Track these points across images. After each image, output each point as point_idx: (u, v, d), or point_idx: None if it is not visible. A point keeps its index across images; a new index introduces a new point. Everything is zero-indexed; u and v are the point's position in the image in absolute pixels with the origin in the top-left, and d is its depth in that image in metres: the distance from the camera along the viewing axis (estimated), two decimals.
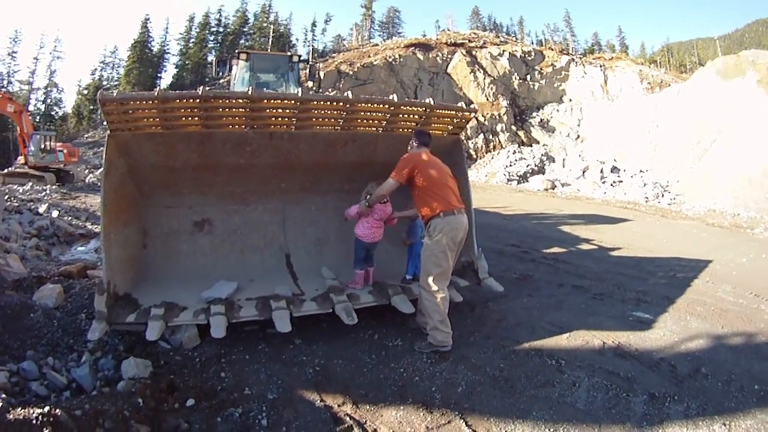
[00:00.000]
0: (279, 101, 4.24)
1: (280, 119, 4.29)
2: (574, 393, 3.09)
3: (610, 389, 3.13)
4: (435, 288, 3.59)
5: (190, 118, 3.96)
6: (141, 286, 4.05)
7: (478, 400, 3.00)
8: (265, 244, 4.98)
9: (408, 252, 4.59)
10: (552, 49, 40.48)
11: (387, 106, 4.41)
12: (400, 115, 4.56)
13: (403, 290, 4.23)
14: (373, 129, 4.64)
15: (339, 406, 2.93)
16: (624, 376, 3.30)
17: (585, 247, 8.14)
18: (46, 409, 2.32)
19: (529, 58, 36.14)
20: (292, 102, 4.14)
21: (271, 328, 3.65)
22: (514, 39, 47.14)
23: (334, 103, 4.34)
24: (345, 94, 4.34)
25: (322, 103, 4.35)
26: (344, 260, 4.82)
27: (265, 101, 4.14)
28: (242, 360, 3.43)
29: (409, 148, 4.04)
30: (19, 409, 2.30)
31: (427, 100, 4.51)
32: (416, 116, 4.59)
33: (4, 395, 2.52)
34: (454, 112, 4.68)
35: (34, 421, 2.22)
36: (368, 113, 4.51)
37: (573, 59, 36.81)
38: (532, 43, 51.93)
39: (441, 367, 3.39)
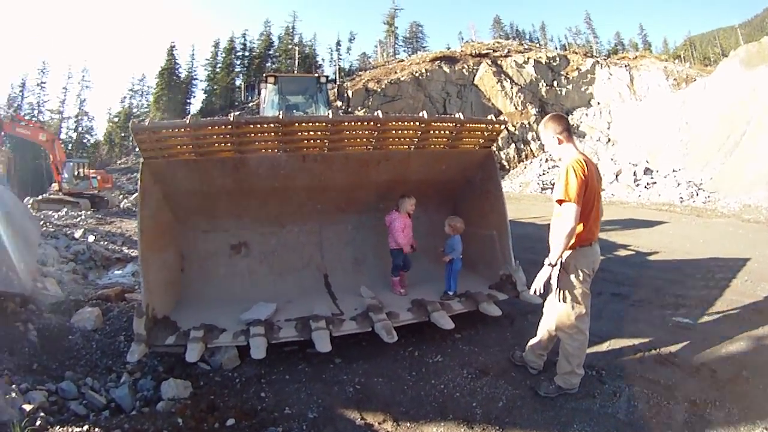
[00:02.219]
0: (310, 124, 4.29)
1: (311, 142, 4.32)
2: (614, 403, 3.03)
3: (651, 398, 3.07)
4: (579, 328, 3.12)
5: (222, 144, 4.03)
6: (180, 308, 4.13)
7: (519, 415, 2.96)
8: (302, 265, 5.02)
9: (447, 268, 4.55)
10: (576, 53, 40.09)
11: (417, 123, 4.39)
12: (431, 132, 4.53)
13: (442, 306, 4.19)
14: (405, 147, 4.62)
15: (379, 423, 2.92)
16: (665, 383, 3.24)
17: (622, 253, 7.95)
18: (85, 427, 2.38)
19: (554, 64, 35.88)
20: (323, 124, 4.18)
21: (311, 348, 3.67)
22: (537, 45, 47.04)
23: (365, 123, 4.35)
24: (375, 113, 4.36)
25: (352, 123, 4.38)
26: (382, 278, 4.88)
27: (297, 125, 4.18)
28: (282, 380, 3.46)
29: (553, 139, 3.16)
30: (58, 427, 2.36)
31: (456, 115, 4.49)
32: (447, 132, 4.56)
33: (42, 414, 2.59)
34: (484, 126, 4.68)
35: None
36: (399, 131, 4.50)
37: (598, 61, 36.40)
38: (556, 48, 51.67)
39: (482, 382, 3.35)
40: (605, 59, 38.60)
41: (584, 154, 3.09)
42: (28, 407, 2.57)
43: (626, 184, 20.20)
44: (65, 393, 3.05)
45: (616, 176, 21.55)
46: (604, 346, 3.86)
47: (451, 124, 4.49)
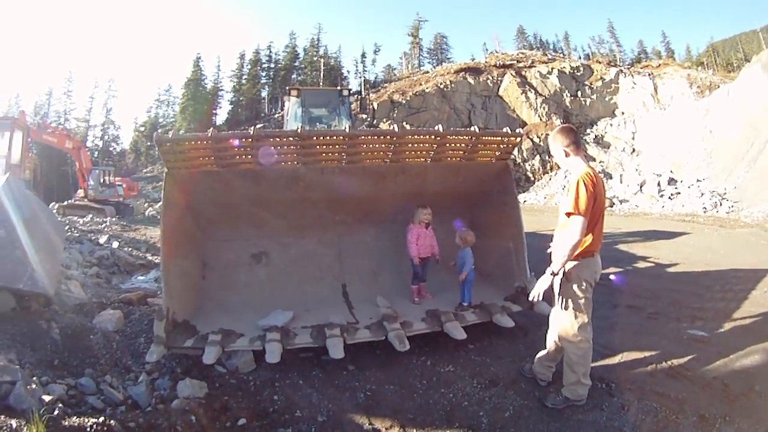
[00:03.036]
0: (328, 138, 4.41)
1: (330, 155, 4.43)
2: (622, 416, 3.02)
3: (659, 411, 3.04)
4: (582, 337, 3.13)
5: (243, 157, 4.17)
6: (199, 314, 4.25)
7: (525, 425, 2.99)
8: (321, 275, 5.11)
9: (460, 279, 4.60)
10: (600, 62, 39.87)
11: (433, 136, 4.44)
12: (447, 145, 4.59)
13: (455, 317, 4.23)
14: (422, 159, 4.68)
15: (387, 429, 2.99)
16: (674, 397, 3.20)
17: (641, 265, 7.86)
18: (101, 419, 2.48)
19: (578, 74, 35.82)
20: (341, 138, 4.29)
21: (325, 355, 3.75)
22: (561, 55, 47.00)
23: (382, 137, 4.47)
24: (396, 125, 4.47)
25: (369, 137, 4.51)
26: (399, 289, 4.96)
27: (315, 138, 4.29)
28: (296, 384, 3.54)
29: (560, 152, 3.21)
30: (75, 417, 2.46)
31: (472, 128, 4.57)
32: (463, 144, 4.61)
33: (61, 405, 2.68)
34: (500, 138, 4.67)
35: (88, 429, 2.38)
36: (415, 144, 4.57)
37: (621, 70, 36.14)
38: (580, 57, 51.44)
39: (490, 392, 3.38)
40: (629, 68, 38.29)
41: (592, 167, 3.13)
42: (47, 398, 2.66)
43: (650, 195, 19.90)
44: (84, 388, 3.14)
45: (641, 187, 21.24)
46: (616, 359, 3.84)
47: (467, 137, 4.54)
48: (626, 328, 4.61)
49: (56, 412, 2.46)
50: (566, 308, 3.12)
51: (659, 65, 38.27)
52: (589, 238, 3.00)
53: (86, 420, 2.44)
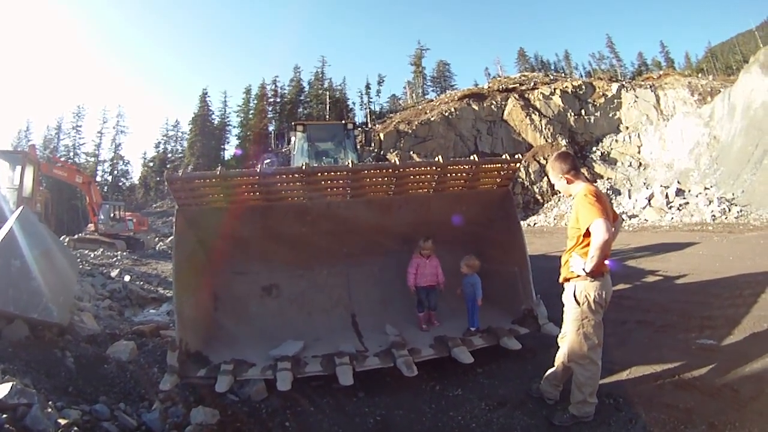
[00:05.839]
0: (332, 173, 4.54)
1: (335, 189, 4.55)
2: (629, 430, 3.04)
3: (667, 423, 3.05)
4: (590, 359, 3.16)
5: (251, 193, 4.32)
6: (212, 344, 4.33)
7: None
8: (331, 306, 5.22)
9: (468, 305, 4.68)
10: (601, 78, 40.31)
11: (434, 168, 4.54)
12: (448, 175, 4.65)
13: (463, 342, 4.28)
14: (425, 190, 4.76)
15: None
16: (683, 407, 3.21)
17: (650, 279, 7.83)
18: None
19: (581, 92, 36.16)
20: (344, 173, 4.42)
21: (336, 383, 3.80)
22: (563, 75, 47.35)
23: (384, 170, 4.56)
24: (398, 157, 4.60)
25: (372, 171, 4.61)
26: (408, 317, 5.03)
27: (319, 174, 4.42)
28: (307, 411, 3.61)
29: (559, 178, 3.33)
30: None
31: (472, 157, 4.65)
32: (464, 174, 4.68)
33: (76, 428, 2.74)
34: (500, 165, 4.74)
35: None
36: (417, 176, 4.67)
37: (623, 85, 36.45)
38: (581, 75, 52.08)
39: (498, 413, 3.42)
40: (630, 82, 38.60)
41: (594, 185, 3.19)
42: (63, 421, 2.73)
43: (659, 208, 19.87)
44: (98, 414, 3.19)
45: (649, 201, 21.20)
46: (624, 375, 3.84)
47: (467, 166, 4.61)
48: (635, 343, 4.62)
49: None
50: (576, 330, 3.14)
51: (659, 76, 38.55)
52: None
53: None
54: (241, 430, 3.30)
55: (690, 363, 3.91)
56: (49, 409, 2.81)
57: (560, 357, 3.36)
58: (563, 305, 3.30)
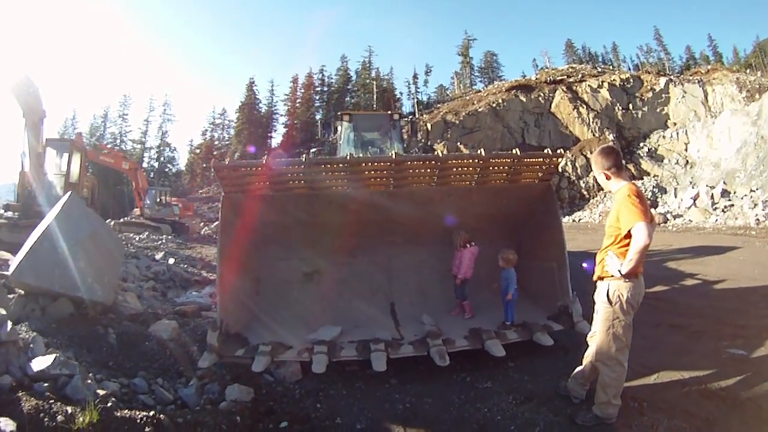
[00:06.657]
0: (375, 164, 4.64)
1: (378, 180, 4.66)
2: None
3: (687, 431, 3.05)
4: (617, 360, 3.18)
5: (296, 182, 4.48)
6: (252, 327, 4.54)
7: None
8: (371, 294, 5.34)
9: (504, 299, 4.70)
10: (649, 72, 38.79)
11: (476, 160, 4.58)
12: (490, 168, 4.70)
13: (496, 335, 4.33)
14: (467, 183, 4.81)
15: None
16: (705, 417, 3.19)
17: (688, 282, 7.67)
18: (151, 413, 2.71)
19: (629, 86, 35.05)
20: (388, 164, 4.52)
21: (371, 369, 3.94)
22: (610, 67, 45.86)
23: (426, 162, 4.63)
24: (445, 148, 4.64)
25: (415, 162, 4.68)
26: (446, 307, 5.15)
27: (363, 164, 4.54)
28: (339, 395, 3.78)
29: (601, 175, 3.29)
30: (127, 410, 2.69)
31: (515, 150, 4.62)
32: (505, 167, 4.70)
33: (114, 399, 2.92)
34: (542, 159, 4.71)
35: (138, 420, 2.61)
36: (460, 168, 4.72)
37: (671, 79, 35.08)
38: (629, 68, 50.22)
39: (524, 408, 3.48)
40: (678, 76, 36.98)
41: (635, 183, 3.18)
42: (101, 392, 2.90)
43: (703, 209, 19.11)
44: (137, 387, 3.35)
45: (694, 201, 20.42)
46: (652, 378, 3.84)
47: (509, 160, 4.62)
48: (666, 347, 4.58)
49: (109, 404, 2.69)
50: (605, 330, 3.16)
51: (708, 71, 36.81)
52: None
53: (137, 413, 2.66)
54: (274, 408, 3.48)
55: (718, 372, 3.86)
56: (89, 381, 3.00)
57: (588, 356, 3.38)
58: (595, 303, 3.31)
